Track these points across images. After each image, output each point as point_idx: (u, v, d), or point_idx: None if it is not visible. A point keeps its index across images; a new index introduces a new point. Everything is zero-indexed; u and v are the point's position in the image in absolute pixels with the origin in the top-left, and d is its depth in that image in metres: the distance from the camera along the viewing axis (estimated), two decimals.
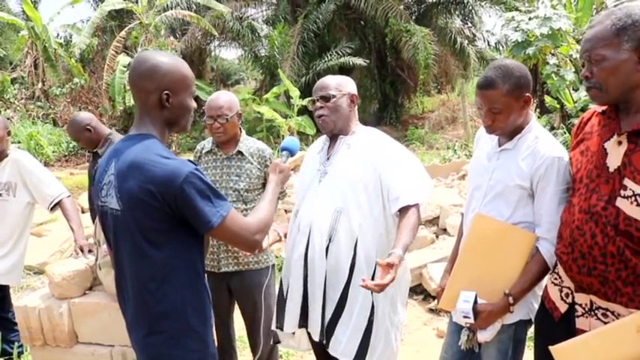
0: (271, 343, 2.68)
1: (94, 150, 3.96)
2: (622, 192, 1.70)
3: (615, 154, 1.75)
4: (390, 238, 2.35)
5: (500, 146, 2.23)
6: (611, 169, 1.75)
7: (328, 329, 2.34)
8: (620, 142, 1.75)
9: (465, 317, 2.15)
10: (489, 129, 2.17)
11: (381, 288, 2.03)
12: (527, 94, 2.11)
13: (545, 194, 2.09)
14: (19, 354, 3.36)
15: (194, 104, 1.89)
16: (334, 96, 2.43)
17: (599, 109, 1.92)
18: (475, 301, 2.13)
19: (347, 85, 2.50)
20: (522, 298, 2.12)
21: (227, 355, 3.29)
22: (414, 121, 19.82)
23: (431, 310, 4.72)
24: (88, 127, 3.75)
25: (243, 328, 3.29)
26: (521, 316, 2.20)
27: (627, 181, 1.69)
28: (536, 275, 2.10)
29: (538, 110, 17.32)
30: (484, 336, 2.20)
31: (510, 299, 2.09)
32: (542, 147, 2.11)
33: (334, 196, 2.36)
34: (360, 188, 2.33)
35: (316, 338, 2.37)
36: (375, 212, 2.33)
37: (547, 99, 10.55)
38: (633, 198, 1.67)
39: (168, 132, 1.88)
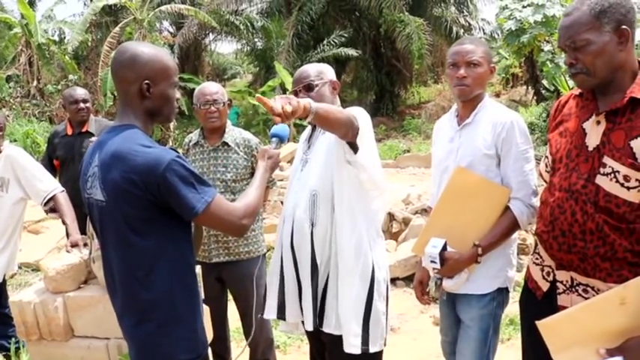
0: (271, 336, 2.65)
1: (82, 129, 4.33)
2: (601, 170, 1.75)
3: (594, 133, 1.79)
4: (357, 206, 2.30)
5: (459, 125, 2.37)
6: (591, 148, 1.79)
7: (320, 312, 2.34)
8: (598, 122, 1.79)
9: (432, 262, 2.25)
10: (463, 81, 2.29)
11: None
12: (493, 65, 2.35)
13: (509, 156, 2.22)
14: (17, 349, 3.37)
15: (177, 94, 1.89)
16: (317, 85, 2.41)
17: (576, 91, 1.96)
18: (444, 248, 2.24)
19: (327, 72, 2.48)
20: (490, 251, 2.23)
21: (222, 345, 3.31)
22: (410, 112, 19.83)
23: (432, 299, 4.73)
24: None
25: (240, 320, 3.31)
26: (499, 284, 2.32)
27: (606, 159, 1.73)
28: (505, 230, 2.23)
29: (535, 98, 17.36)
30: (449, 284, 2.31)
31: (479, 250, 2.20)
32: (499, 115, 2.27)
33: (311, 180, 2.35)
34: (330, 167, 2.29)
35: (310, 328, 2.36)
36: (348, 189, 2.27)
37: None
38: (612, 175, 1.72)
39: (152, 122, 1.89)
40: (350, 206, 2.27)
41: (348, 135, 2.15)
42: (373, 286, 2.31)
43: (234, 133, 3.16)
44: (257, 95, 2.06)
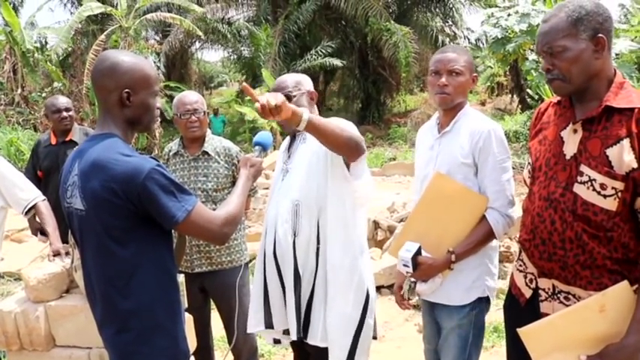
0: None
1: (66, 138, 4.30)
2: (579, 178, 1.76)
3: (571, 141, 1.81)
4: (351, 222, 2.31)
5: (439, 133, 2.38)
6: (568, 157, 1.81)
7: (305, 323, 2.33)
8: (575, 130, 1.81)
9: (404, 266, 2.26)
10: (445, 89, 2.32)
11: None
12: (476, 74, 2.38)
13: (486, 165, 2.23)
14: None
15: (157, 103, 1.89)
16: (294, 95, 2.40)
17: (555, 99, 1.98)
18: (419, 253, 2.25)
19: (305, 82, 2.49)
20: (463, 258, 2.24)
21: (206, 355, 3.30)
22: (396, 120, 19.94)
23: (412, 306, 4.74)
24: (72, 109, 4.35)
25: (224, 329, 3.29)
26: (479, 293, 2.31)
27: (583, 167, 1.75)
28: (480, 239, 2.24)
29: (519, 106, 17.52)
30: (422, 288, 2.32)
31: (452, 257, 2.22)
32: (477, 124, 2.27)
33: (292, 190, 2.35)
34: (314, 177, 2.30)
35: (294, 337, 2.35)
36: (332, 198, 2.28)
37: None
38: (589, 183, 1.73)
39: (132, 131, 1.88)
40: (345, 221, 2.28)
41: (353, 156, 2.17)
42: (367, 304, 2.32)
43: (214, 142, 3.16)
44: (243, 84, 2.07)
